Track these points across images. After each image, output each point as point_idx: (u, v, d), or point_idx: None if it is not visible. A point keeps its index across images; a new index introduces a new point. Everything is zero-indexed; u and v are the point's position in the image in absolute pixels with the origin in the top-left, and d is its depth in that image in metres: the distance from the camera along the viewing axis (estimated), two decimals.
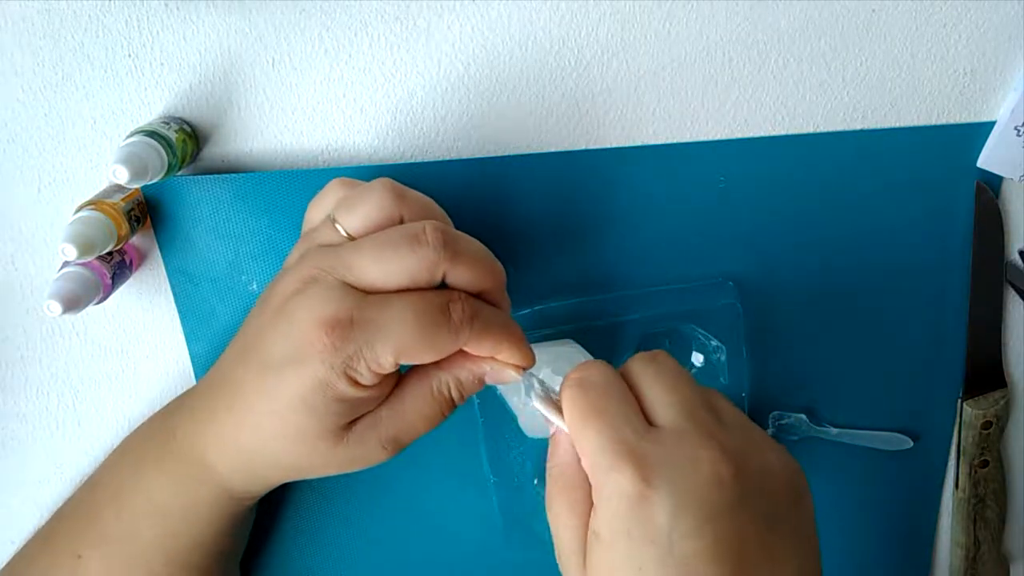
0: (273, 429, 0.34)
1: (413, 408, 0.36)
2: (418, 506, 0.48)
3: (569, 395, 0.33)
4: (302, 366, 0.32)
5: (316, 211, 0.37)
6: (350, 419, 0.35)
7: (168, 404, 0.42)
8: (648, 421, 0.33)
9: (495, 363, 0.36)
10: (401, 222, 0.34)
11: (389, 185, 0.35)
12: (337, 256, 0.33)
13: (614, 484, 0.31)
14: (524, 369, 0.36)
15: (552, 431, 0.35)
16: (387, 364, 0.33)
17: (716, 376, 0.46)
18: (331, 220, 0.35)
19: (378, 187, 0.35)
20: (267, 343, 0.34)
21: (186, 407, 0.39)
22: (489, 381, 0.36)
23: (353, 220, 0.34)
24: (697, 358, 0.46)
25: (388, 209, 0.34)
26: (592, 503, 0.32)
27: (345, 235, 0.35)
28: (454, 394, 0.36)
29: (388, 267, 0.33)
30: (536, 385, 0.35)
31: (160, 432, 0.40)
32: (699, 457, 0.31)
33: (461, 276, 0.34)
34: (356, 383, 0.33)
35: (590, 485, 0.32)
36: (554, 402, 0.35)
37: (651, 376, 0.34)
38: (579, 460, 0.33)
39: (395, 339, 0.32)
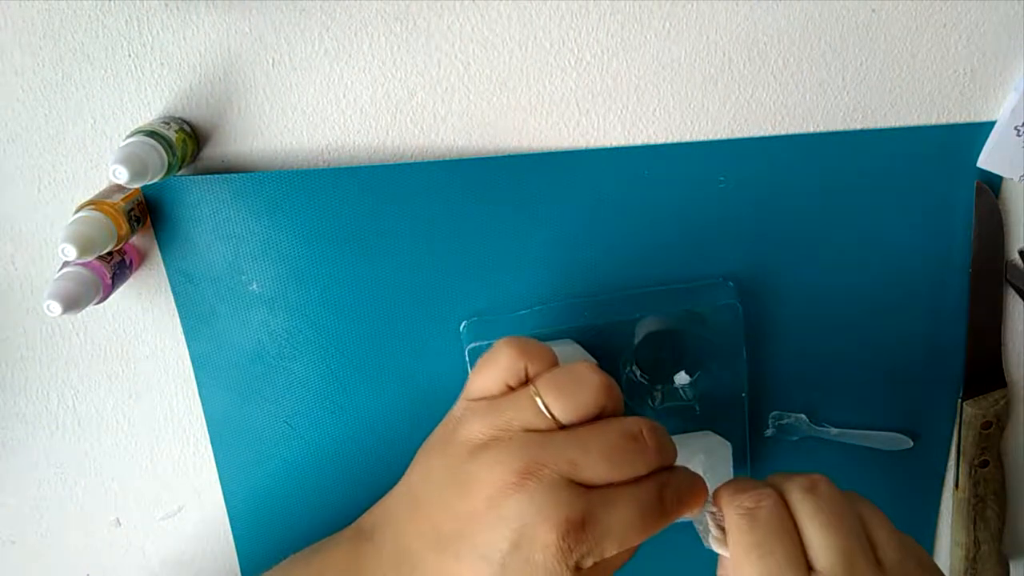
0: None
1: None
2: None
3: (736, 525, 0.34)
4: (533, 567, 0.33)
5: (488, 376, 0.37)
6: None
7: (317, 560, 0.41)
8: (807, 560, 0.33)
9: None
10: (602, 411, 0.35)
11: (604, 377, 0.35)
12: (559, 451, 0.34)
13: None
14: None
15: (720, 555, 0.37)
16: (610, 554, 0.34)
17: (715, 378, 0.46)
18: (543, 407, 0.35)
19: (595, 378, 0.35)
20: (484, 538, 0.34)
21: None
22: None
23: (567, 408, 0.35)
24: (683, 378, 0.46)
25: (602, 403, 0.35)
26: None
27: (550, 418, 0.35)
28: None
29: (617, 469, 0.34)
30: (708, 519, 0.37)
31: None
32: None
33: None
34: (579, 571, 0.34)
35: None
36: (723, 529, 0.36)
37: (810, 511, 0.34)
38: None
39: (623, 535, 0.34)
